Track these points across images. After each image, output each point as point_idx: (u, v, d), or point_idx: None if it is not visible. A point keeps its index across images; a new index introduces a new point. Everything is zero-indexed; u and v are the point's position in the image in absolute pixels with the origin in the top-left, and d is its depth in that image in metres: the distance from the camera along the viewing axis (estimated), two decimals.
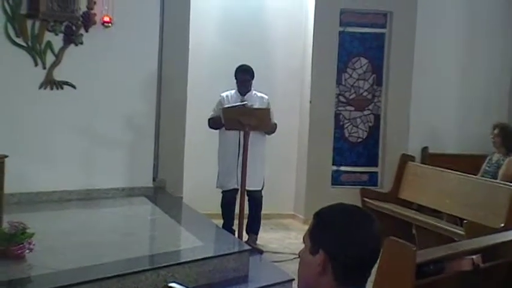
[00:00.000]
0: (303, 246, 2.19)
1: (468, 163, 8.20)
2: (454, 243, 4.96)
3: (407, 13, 9.09)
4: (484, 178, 7.57)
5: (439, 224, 7.26)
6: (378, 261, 2.22)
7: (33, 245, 4.85)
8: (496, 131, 7.77)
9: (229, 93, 7.58)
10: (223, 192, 7.58)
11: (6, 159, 5.26)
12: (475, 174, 7.71)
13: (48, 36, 7.03)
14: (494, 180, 7.37)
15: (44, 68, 7.05)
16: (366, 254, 2.10)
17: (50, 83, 7.09)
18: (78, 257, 5.13)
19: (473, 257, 3.94)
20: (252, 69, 7.56)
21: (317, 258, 2.09)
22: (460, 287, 4.00)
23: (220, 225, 7.26)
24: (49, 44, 7.03)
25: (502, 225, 6.24)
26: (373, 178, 9.26)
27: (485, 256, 4.05)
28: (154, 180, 8.03)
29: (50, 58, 7.07)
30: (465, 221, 6.62)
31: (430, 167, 8.29)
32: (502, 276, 4.32)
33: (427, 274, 3.75)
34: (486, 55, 9.57)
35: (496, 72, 9.61)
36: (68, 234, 5.87)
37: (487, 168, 7.80)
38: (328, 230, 2.09)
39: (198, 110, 8.08)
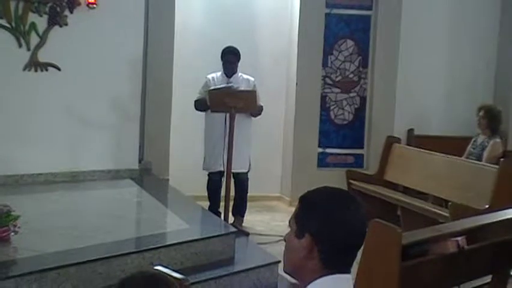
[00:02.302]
0: (289, 228, 2.19)
1: (453, 145, 8.22)
2: (439, 225, 4.98)
3: None
4: (469, 160, 7.61)
5: (424, 206, 7.29)
6: (364, 243, 2.22)
7: (18, 227, 4.84)
8: (481, 113, 7.79)
9: (215, 75, 7.55)
10: (209, 174, 7.57)
11: None
12: (460, 156, 7.74)
13: (32, 17, 6.97)
14: (479, 162, 7.41)
15: (28, 49, 7.00)
16: (351, 237, 2.11)
17: (35, 64, 7.03)
18: (64, 239, 5.12)
19: (458, 238, 3.96)
20: (238, 51, 7.53)
21: (303, 241, 2.09)
22: (445, 269, 4.02)
23: (206, 208, 7.27)
24: (33, 25, 6.98)
25: (487, 206, 6.28)
26: (359, 160, 9.28)
27: (469, 238, 4.07)
28: (140, 162, 8.01)
29: (34, 39, 7.02)
30: (450, 203, 6.66)
31: (416, 148, 8.32)
32: (486, 258, 4.35)
33: (412, 256, 3.77)
34: (472, 37, 9.57)
35: (482, 54, 9.62)
36: (53, 216, 5.86)
37: (471, 149, 7.83)
38: (314, 213, 2.10)
39: (184, 92, 8.06)
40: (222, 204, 7.21)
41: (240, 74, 7.56)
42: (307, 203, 2.14)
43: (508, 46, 9.53)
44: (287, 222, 2.21)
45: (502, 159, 6.99)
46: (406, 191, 8.08)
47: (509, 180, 6.61)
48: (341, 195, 2.16)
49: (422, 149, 8.09)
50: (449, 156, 7.57)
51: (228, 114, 7.04)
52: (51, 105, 7.13)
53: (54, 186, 7.07)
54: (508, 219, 4.65)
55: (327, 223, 2.07)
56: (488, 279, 4.46)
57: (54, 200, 6.63)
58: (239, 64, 7.56)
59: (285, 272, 2.24)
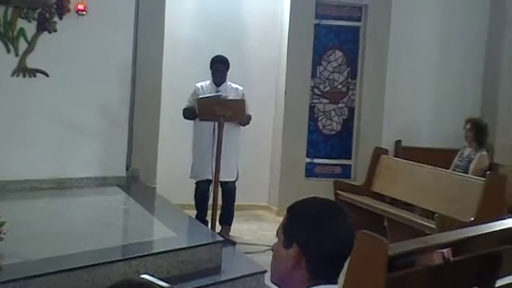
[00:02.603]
0: (276, 238, 2.19)
1: (440, 157, 8.27)
2: (425, 236, 4.99)
3: (382, 6, 9.13)
4: (455, 172, 7.64)
5: (410, 217, 7.30)
6: (351, 254, 2.23)
7: (3, 234, 4.80)
8: (468, 126, 7.84)
9: (204, 84, 7.56)
10: (196, 183, 7.56)
11: None
12: (447, 168, 7.77)
13: (21, 23, 6.95)
14: (466, 175, 7.45)
15: (17, 55, 6.98)
16: (339, 248, 2.12)
17: (23, 70, 7.01)
18: (49, 246, 5.10)
19: (444, 250, 3.97)
20: (227, 59, 7.55)
21: (290, 252, 2.10)
22: (430, 280, 4.03)
23: (194, 216, 7.25)
24: (22, 31, 6.96)
25: (473, 219, 6.30)
26: (346, 170, 9.30)
27: (455, 250, 4.08)
28: (127, 169, 7.99)
29: (22, 45, 7.00)
30: (436, 215, 6.68)
31: (403, 160, 8.35)
32: (471, 270, 4.36)
33: (399, 267, 3.78)
34: (460, 49, 9.64)
35: (469, 66, 9.69)
36: (39, 223, 5.83)
37: (458, 162, 7.87)
38: (302, 223, 2.10)
39: (173, 100, 8.05)
40: (210, 212, 7.20)
41: (229, 83, 7.57)
42: (295, 213, 2.14)
43: (495, 60, 9.60)
44: (274, 232, 2.21)
45: (488, 172, 7.03)
46: (393, 202, 8.09)
47: (495, 192, 6.65)
48: (329, 205, 2.17)
49: (410, 160, 8.11)
50: (436, 168, 7.59)
51: (216, 123, 7.04)
52: (39, 112, 7.11)
53: (40, 192, 7.04)
54: (493, 231, 4.66)
55: (315, 233, 2.08)
56: None
57: (40, 206, 6.60)
58: (228, 73, 7.56)
59: (272, 282, 2.23)
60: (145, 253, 5.06)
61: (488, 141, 8.08)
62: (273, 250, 2.19)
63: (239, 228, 7.98)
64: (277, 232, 2.17)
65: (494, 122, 8.96)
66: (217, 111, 6.93)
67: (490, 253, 4.46)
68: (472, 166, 7.64)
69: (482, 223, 5.02)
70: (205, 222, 7.21)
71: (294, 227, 2.12)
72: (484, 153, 7.73)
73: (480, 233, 4.59)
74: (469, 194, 6.80)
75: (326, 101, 9.25)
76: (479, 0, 9.68)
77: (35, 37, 7.04)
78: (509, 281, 4.48)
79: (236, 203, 7.70)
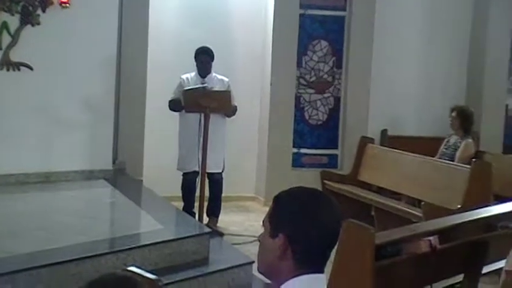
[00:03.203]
0: (262, 228, 2.20)
1: (426, 145, 8.30)
2: (411, 225, 5.01)
3: None
4: (441, 160, 7.67)
5: (397, 206, 7.33)
6: (338, 243, 2.23)
7: None
8: (454, 114, 7.86)
9: (190, 76, 7.54)
10: (183, 174, 7.56)
11: None
12: (433, 156, 7.80)
13: (4, 16, 6.91)
14: (452, 162, 7.47)
15: (0, 48, 6.93)
16: (325, 237, 2.12)
17: (6, 64, 6.97)
18: (36, 240, 5.09)
19: (431, 238, 3.99)
20: (211, 50, 7.53)
21: (277, 241, 2.10)
22: (418, 269, 4.05)
23: (181, 208, 7.25)
24: (5, 25, 6.92)
25: (459, 206, 6.33)
26: (333, 160, 9.32)
27: (442, 237, 4.10)
28: (114, 162, 7.97)
29: (6, 39, 6.95)
30: (423, 203, 6.71)
31: (389, 149, 8.37)
32: (458, 258, 4.39)
33: (386, 256, 3.79)
34: (445, 38, 9.67)
35: (454, 55, 9.73)
36: (25, 217, 5.81)
37: (444, 150, 7.90)
38: (288, 213, 2.10)
39: (158, 92, 8.03)
40: (197, 204, 7.20)
41: (214, 74, 7.56)
42: (281, 203, 2.14)
43: (479, 48, 9.64)
44: (261, 223, 2.21)
45: (474, 160, 7.06)
46: (380, 191, 8.11)
47: (481, 180, 6.68)
48: (315, 195, 2.17)
49: (396, 149, 8.14)
50: (422, 156, 7.62)
51: (202, 115, 7.03)
52: (24, 105, 7.07)
53: (26, 186, 7.02)
54: (479, 218, 4.69)
55: (301, 223, 2.08)
56: (460, 278, 4.49)
57: (26, 200, 6.58)
58: (213, 64, 7.55)
59: (259, 272, 2.23)
60: (133, 245, 5.06)
61: (473, 129, 8.11)
62: (259, 241, 2.19)
63: (226, 220, 7.99)
64: (263, 222, 2.17)
65: (479, 109, 9.00)
66: (202, 103, 6.91)
67: (476, 240, 4.49)
68: (458, 154, 7.67)
69: (468, 210, 5.05)
70: (192, 214, 7.21)
71: (280, 216, 2.12)
72: (470, 140, 7.76)
73: (466, 220, 4.61)
74: (455, 181, 6.83)
75: (312, 91, 9.25)
76: None
77: (18, 30, 6.99)
78: (495, 268, 4.50)
79: (223, 194, 7.70)
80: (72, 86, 7.32)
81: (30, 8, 6.99)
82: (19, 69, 7.04)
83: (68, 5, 7.09)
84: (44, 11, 7.05)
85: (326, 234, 2.11)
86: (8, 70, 6.99)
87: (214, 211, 7.62)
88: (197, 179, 7.29)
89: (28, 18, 7.00)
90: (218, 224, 7.63)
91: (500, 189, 6.95)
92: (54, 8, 7.07)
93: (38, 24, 7.06)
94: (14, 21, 6.97)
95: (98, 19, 7.42)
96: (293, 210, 2.10)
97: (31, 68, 7.09)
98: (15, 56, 7.00)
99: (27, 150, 7.10)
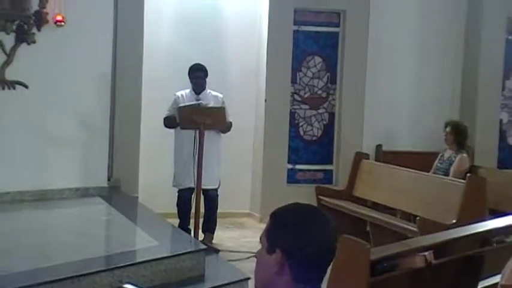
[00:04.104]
0: (259, 244, 2.21)
1: (421, 160, 8.32)
2: (406, 240, 5.02)
3: (360, 12, 9.19)
4: (436, 175, 7.69)
5: (392, 221, 7.34)
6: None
7: None
8: (448, 129, 7.88)
9: (184, 92, 7.57)
10: (179, 191, 7.56)
11: None
12: (428, 171, 7.82)
13: None
14: (446, 177, 7.49)
15: None
16: (322, 253, 2.13)
17: (2, 82, 6.98)
18: (32, 258, 5.08)
19: (426, 253, 3.99)
20: (205, 67, 7.56)
21: (274, 257, 2.11)
22: (413, 284, 4.05)
23: (176, 225, 7.25)
24: (0, 44, 6.92)
25: (454, 221, 6.35)
26: (328, 176, 9.33)
27: (437, 252, 4.11)
28: (109, 179, 7.97)
29: (1, 57, 6.96)
30: (418, 218, 6.71)
31: (384, 164, 8.40)
32: (453, 272, 4.39)
33: (381, 271, 3.80)
34: (438, 52, 9.72)
35: (447, 70, 9.78)
36: (21, 235, 5.80)
37: (439, 165, 7.92)
38: (284, 229, 2.12)
39: (153, 109, 8.05)
40: (192, 221, 7.20)
41: (208, 90, 7.59)
42: (277, 219, 2.16)
43: (473, 63, 9.69)
44: (257, 239, 2.22)
45: (468, 174, 7.08)
46: (375, 206, 8.12)
47: (476, 194, 6.70)
48: (311, 211, 2.18)
49: (391, 164, 8.16)
50: (417, 171, 7.64)
51: (197, 131, 7.05)
52: (19, 123, 7.07)
53: (22, 204, 7.00)
54: (475, 233, 4.71)
55: (298, 239, 2.09)
56: None
57: (22, 218, 6.57)
58: (208, 81, 7.58)
59: None
60: (129, 263, 5.05)
61: (468, 144, 8.14)
62: (256, 257, 2.20)
63: (222, 236, 7.98)
64: (260, 238, 2.19)
65: (473, 124, 9.03)
66: (197, 119, 6.93)
67: (472, 255, 4.50)
68: (452, 168, 7.69)
69: (463, 225, 5.07)
70: (188, 231, 7.21)
71: (276, 232, 2.13)
72: (465, 155, 7.78)
73: (462, 235, 4.62)
74: (450, 196, 6.85)
75: (306, 106, 9.28)
76: (456, 5, 9.77)
77: (13, 49, 7.01)
78: (491, 282, 4.51)
79: (218, 210, 7.69)
80: (67, 104, 7.33)
81: (26, 27, 7.01)
82: (14, 88, 7.04)
83: (62, 23, 7.11)
84: (39, 30, 7.07)
85: (323, 250, 2.13)
86: (3, 89, 7.00)
87: (209, 227, 7.61)
88: (192, 196, 7.29)
89: (23, 37, 7.02)
90: (214, 241, 7.63)
91: (495, 203, 6.98)
92: (49, 26, 7.09)
93: (34, 42, 7.07)
94: (9, 40, 6.98)
95: (93, 37, 7.44)
96: (290, 226, 2.12)
97: (26, 87, 7.09)
98: (10, 74, 7.01)
99: (22, 168, 7.09)
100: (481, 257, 4.46)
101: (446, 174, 7.64)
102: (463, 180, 6.93)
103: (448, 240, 4.44)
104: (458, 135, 7.82)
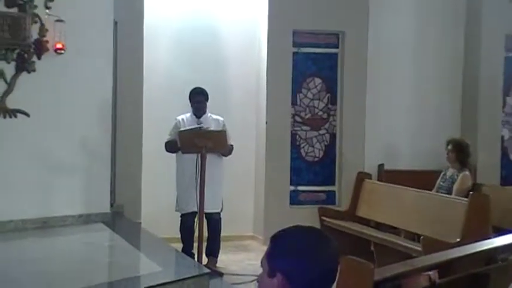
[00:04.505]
0: (261, 267, 2.20)
1: (423, 179, 8.30)
2: (410, 259, 5.00)
3: (358, 33, 9.22)
4: (439, 193, 7.67)
5: (396, 241, 7.32)
6: (336, 279, 2.24)
7: None
8: (449, 147, 7.88)
9: (185, 116, 7.59)
10: (181, 215, 7.55)
11: None
12: (430, 190, 7.81)
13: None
14: (449, 196, 7.48)
15: None
16: (323, 274, 2.12)
17: (3, 111, 6.98)
18: (36, 286, 5.05)
19: (430, 273, 3.98)
20: (205, 91, 7.59)
21: (275, 281, 2.10)
22: None
23: (180, 249, 7.23)
24: (1, 72, 6.94)
25: (458, 239, 6.33)
26: (330, 197, 9.32)
27: (441, 271, 4.10)
28: (111, 205, 7.96)
29: (2, 86, 6.98)
30: (422, 237, 6.70)
31: (386, 184, 8.39)
32: None
33: None
34: (437, 71, 9.74)
35: (447, 88, 9.79)
36: (24, 263, 5.78)
37: (441, 183, 7.90)
38: (285, 252, 2.11)
39: (154, 134, 8.06)
40: (196, 245, 7.18)
41: (209, 114, 7.61)
42: (277, 243, 2.15)
43: (473, 81, 9.71)
44: (260, 263, 2.22)
45: (471, 192, 7.06)
46: (379, 226, 8.11)
47: (480, 212, 6.68)
48: (311, 233, 2.18)
49: (393, 183, 8.15)
50: (420, 190, 7.63)
51: (199, 155, 7.05)
52: (21, 151, 7.07)
53: (24, 233, 6.98)
54: (479, 251, 4.69)
55: (298, 262, 2.09)
56: None
57: (25, 246, 6.55)
58: (208, 104, 7.60)
59: None
60: None
61: (470, 161, 8.13)
62: (258, 281, 2.20)
63: (226, 259, 7.96)
64: (261, 262, 2.18)
65: (475, 141, 9.04)
66: (198, 143, 6.94)
67: (477, 273, 4.48)
68: (455, 187, 7.67)
69: (468, 243, 5.06)
70: (191, 255, 7.19)
71: (277, 256, 2.13)
72: (467, 173, 7.76)
73: (466, 253, 4.62)
74: (454, 214, 6.84)
75: (307, 128, 9.29)
76: (454, 23, 9.80)
77: (14, 78, 7.02)
78: None
79: (222, 234, 7.68)
80: (68, 131, 7.34)
81: (26, 56, 7.03)
82: (16, 116, 7.05)
83: (63, 51, 7.13)
84: (39, 58, 7.09)
85: (324, 272, 2.12)
86: (4, 117, 7.00)
87: (213, 251, 7.60)
88: (195, 220, 7.28)
89: (24, 66, 7.04)
90: (217, 264, 7.60)
91: (499, 221, 6.96)
92: (49, 54, 7.11)
93: (34, 71, 7.09)
94: (9, 69, 7.00)
95: (93, 63, 7.46)
96: (290, 249, 2.11)
97: (27, 115, 7.10)
98: (11, 103, 7.02)
99: (24, 196, 7.08)
100: (486, 275, 4.45)
101: (449, 192, 7.63)
102: (466, 199, 6.92)
103: (452, 259, 4.43)
104: (460, 153, 7.81)
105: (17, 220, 7.04)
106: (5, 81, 6.99)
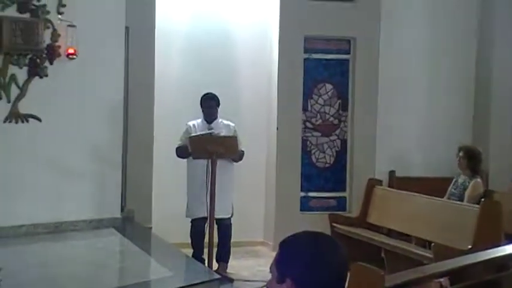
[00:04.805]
0: (270, 273, 2.20)
1: (434, 185, 8.27)
2: (421, 266, 4.98)
3: (370, 38, 9.21)
4: (450, 200, 7.64)
5: (407, 248, 7.29)
6: (346, 286, 2.23)
7: (1, 280, 4.78)
8: (461, 154, 7.84)
9: (196, 122, 7.60)
10: (192, 221, 7.55)
11: None
12: (441, 197, 7.78)
13: (12, 69, 6.96)
14: (461, 203, 7.45)
15: (9, 101, 6.98)
16: (332, 281, 2.12)
17: (15, 116, 7.01)
18: None
19: (441, 280, 3.96)
20: (217, 96, 7.60)
21: (284, 286, 2.10)
22: None
23: (190, 255, 7.23)
24: (13, 77, 6.98)
25: (470, 247, 6.30)
26: (341, 203, 9.30)
27: (453, 279, 4.08)
28: (122, 210, 7.97)
29: (14, 91, 7.01)
30: (433, 244, 6.67)
31: (397, 190, 8.36)
32: None
33: None
34: (449, 77, 9.71)
35: (459, 95, 9.75)
36: (35, 268, 5.80)
37: (453, 190, 7.87)
38: (294, 258, 2.11)
39: (165, 139, 8.08)
40: (206, 250, 7.18)
41: (220, 119, 7.62)
42: (286, 249, 2.15)
43: (485, 88, 9.67)
44: (269, 269, 2.21)
45: (483, 199, 7.03)
46: (390, 233, 8.08)
47: (491, 219, 6.65)
48: (320, 238, 2.17)
49: (404, 190, 8.13)
50: (431, 197, 7.60)
51: (209, 160, 7.05)
52: (32, 156, 7.10)
53: (36, 237, 7.00)
54: (491, 258, 4.67)
55: (307, 267, 2.08)
56: None
57: (36, 251, 6.57)
58: (219, 110, 7.61)
59: None
60: None
61: (482, 168, 8.09)
62: (267, 287, 2.19)
63: (236, 265, 7.96)
64: (270, 268, 2.18)
65: (487, 148, 8.99)
66: (209, 149, 6.95)
67: (489, 280, 4.46)
68: (466, 193, 7.63)
69: (479, 250, 5.03)
70: (202, 260, 7.19)
71: (286, 262, 2.12)
72: (479, 180, 7.73)
73: (478, 260, 4.59)
74: (465, 221, 6.81)
75: (318, 134, 9.28)
76: (466, 26, 9.75)
77: (26, 83, 7.05)
78: None
79: (232, 239, 7.68)
80: (80, 136, 7.36)
81: (38, 61, 7.06)
82: (28, 121, 7.08)
83: (75, 56, 7.16)
84: (51, 63, 7.12)
85: (333, 278, 2.11)
86: (16, 122, 7.03)
87: (223, 257, 7.59)
88: (206, 225, 7.28)
89: (36, 71, 7.06)
90: (228, 270, 7.60)
91: (510, 228, 6.91)
92: (61, 59, 7.14)
93: (46, 76, 7.11)
94: (22, 74, 7.03)
95: (105, 68, 7.49)
96: (299, 255, 2.11)
97: (39, 120, 7.13)
98: (23, 108, 7.05)
99: (36, 201, 7.10)
100: (498, 283, 4.42)
101: (461, 199, 7.59)
102: (477, 205, 6.89)
103: (464, 266, 4.40)
104: (472, 160, 7.77)
105: (29, 225, 7.06)
106: (17, 86, 7.02)
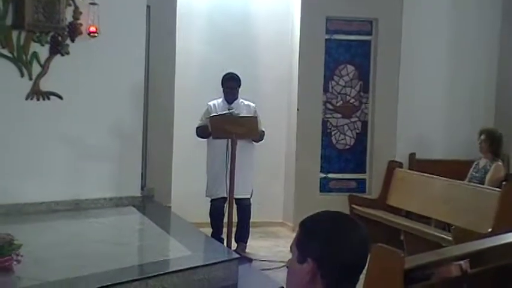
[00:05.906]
0: (290, 253, 2.19)
1: (455, 168, 8.23)
2: (442, 249, 4.97)
3: (392, 20, 9.13)
4: (471, 183, 7.60)
5: (427, 230, 7.28)
6: (366, 267, 2.22)
7: (21, 256, 4.83)
8: (482, 137, 7.79)
9: (216, 102, 7.59)
10: (211, 200, 7.58)
11: None
12: (462, 180, 7.74)
13: (34, 46, 7.00)
14: (482, 186, 7.40)
15: (30, 78, 7.02)
16: (353, 260, 2.10)
17: (37, 93, 7.05)
18: (66, 268, 5.11)
19: (461, 262, 3.95)
20: (238, 76, 7.58)
21: (305, 267, 2.09)
22: None
23: (209, 234, 7.26)
24: (35, 55, 7.01)
25: (490, 230, 6.27)
26: (361, 185, 9.28)
27: (473, 261, 4.06)
28: (142, 189, 8.01)
29: (36, 69, 7.04)
30: (453, 227, 6.65)
31: (418, 173, 8.33)
32: (490, 282, 4.34)
33: (415, 280, 3.76)
34: (472, 59, 9.60)
35: (482, 77, 9.65)
36: (56, 245, 5.84)
37: (474, 173, 7.82)
38: (315, 238, 2.09)
39: (186, 119, 8.09)
40: (225, 230, 7.20)
41: (241, 100, 7.60)
42: (307, 228, 2.14)
43: (508, 69, 9.56)
44: (289, 248, 2.21)
45: (504, 183, 6.99)
46: (409, 215, 8.07)
47: None
48: (341, 218, 2.15)
49: (425, 173, 8.09)
50: (451, 180, 7.57)
51: (230, 140, 7.05)
52: (53, 134, 7.14)
53: (56, 214, 7.06)
54: (511, 242, 4.64)
55: (329, 247, 2.07)
56: None
57: (56, 228, 6.62)
58: (240, 90, 7.60)
59: None
60: (162, 272, 5.06)
61: (503, 151, 8.03)
62: (287, 267, 2.19)
63: (255, 245, 7.98)
64: (291, 248, 2.17)
65: (509, 131, 8.90)
66: (229, 129, 6.95)
67: (508, 264, 4.44)
68: (487, 177, 7.59)
69: (499, 234, 5.00)
70: (221, 240, 7.21)
71: (307, 242, 2.11)
72: (500, 163, 7.68)
73: (498, 243, 4.57)
74: (486, 205, 6.77)
75: (339, 115, 9.25)
76: (490, 9, 9.64)
77: (48, 60, 7.08)
78: None
79: (251, 219, 7.70)
80: (101, 114, 7.39)
81: (60, 38, 7.08)
82: (49, 99, 7.12)
83: (96, 34, 7.18)
84: (73, 41, 7.14)
85: (354, 258, 2.10)
86: (38, 100, 7.07)
87: (242, 237, 7.61)
88: (225, 205, 7.30)
89: (57, 48, 7.09)
90: (247, 250, 7.63)
91: None
92: (83, 37, 7.16)
93: (67, 53, 7.14)
94: (43, 52, 7.06)
95: (126, 47, 7.50)
96: (320, 235, 2.09)
97: (61, 97, 7.16)
98: (45, 85, 7.09)
99: (56, 178, 7.16)
100: None
101: (482, 183, 7.55)
102: (498, 189, 6.85)
103: (484, 249, 4.38)
104: (493, 143, 7.72)
105: (49, 202, 7.12)
106: (39, 63, 7.05)
